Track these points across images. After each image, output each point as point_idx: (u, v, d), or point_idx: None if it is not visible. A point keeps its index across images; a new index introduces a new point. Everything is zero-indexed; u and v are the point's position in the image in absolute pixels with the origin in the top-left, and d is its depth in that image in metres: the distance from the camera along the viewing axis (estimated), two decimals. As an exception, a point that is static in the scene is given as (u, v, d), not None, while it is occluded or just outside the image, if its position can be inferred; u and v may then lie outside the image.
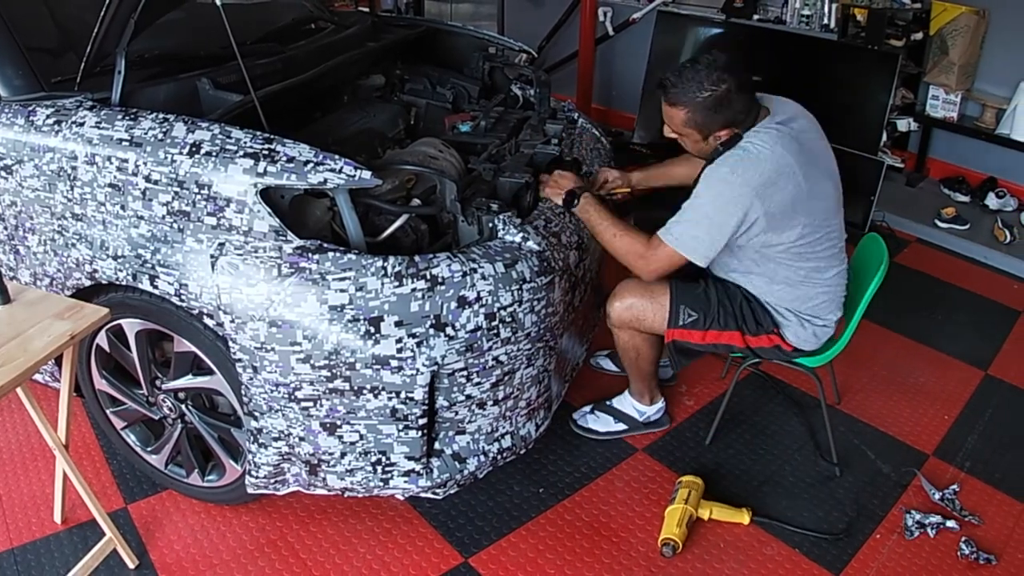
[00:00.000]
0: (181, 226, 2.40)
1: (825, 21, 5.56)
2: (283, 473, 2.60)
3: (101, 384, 2.89)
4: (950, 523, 2.93)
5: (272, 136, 2.43)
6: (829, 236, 2.84)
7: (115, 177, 2.45)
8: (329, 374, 2.35)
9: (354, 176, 2.35)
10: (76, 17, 2.94)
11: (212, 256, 2.36)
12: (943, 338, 4.09)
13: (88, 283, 2.61)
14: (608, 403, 3.37)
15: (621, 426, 3.34)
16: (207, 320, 2.42)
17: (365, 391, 2.38)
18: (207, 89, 2.87)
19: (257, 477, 2.61)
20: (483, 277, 2.41)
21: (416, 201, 2.62)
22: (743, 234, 2.69)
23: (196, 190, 2.36)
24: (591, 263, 3.01)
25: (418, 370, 2.37)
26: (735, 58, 2.78)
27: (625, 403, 3.35)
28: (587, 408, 3.40)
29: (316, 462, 2.54)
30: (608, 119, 7.05)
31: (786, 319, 2.92)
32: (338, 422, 2.44)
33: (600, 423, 3.34)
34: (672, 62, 6.35)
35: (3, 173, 2.65)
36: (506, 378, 2.56)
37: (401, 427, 2.46)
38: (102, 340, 2.77)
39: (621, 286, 3.02)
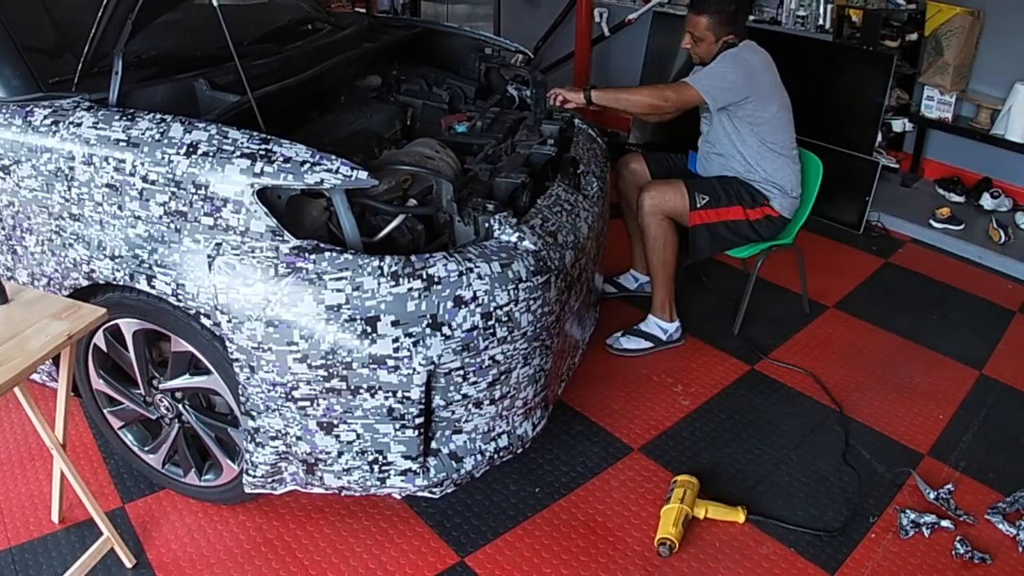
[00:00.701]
0: (178, 226, 2.41)
1: (820, 22, 5.57)
2: (280, 472, 2.61)
3: (98, 384, 2.89)
4: (945, 523, 2.93)
5: (269, 136, 2.44)
6: (790, 122, 3.85)
7: (112, 177, 2.46)
8: (326, 373, 2.36)
9: (351, 176, 2.36)
10: (74, 18, 2.94)
11: (209, 256, 2.36)
12: (938, 338, 4.10)
13: (85, 283, 2.61)
14: (635, 327, 3.97)
15: (649, 344, 3.94)
16: (204, 320, 2.43)
17: (362, 390, 2.39)
18: (204, 90, 2.87)
19: (254, 476, 2.62)
20: (479, 277, 2.41)
21: (412, 201, 2.62)
22: (743, 100, 3.64)
23: (193, 190, 2.37)
24: (587, 262, 3.01)
25: (415, 369, 2.37)
26: None
27: (650, 324, 3.96)
28: (618, 333, 3.96)
29: (313, 461, 2.55)
30: (604, 120, 7.05)
31: (771, 192, 3.78)
32: (335, 421, 2.45)
33: (632, 343, 3.93)
34: (668, 62, 6.38)
35: (1, 173, 2.66)
36: (503, 377, 2.57)
37: (398, 426, 2.46)
38: (99, 340, 2.77)
39: (648, 185, 3.80)
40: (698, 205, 3.73)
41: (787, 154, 3.81)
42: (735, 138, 3.78)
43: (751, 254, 3.96)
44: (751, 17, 5.91)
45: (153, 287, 2.45)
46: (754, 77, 3.65)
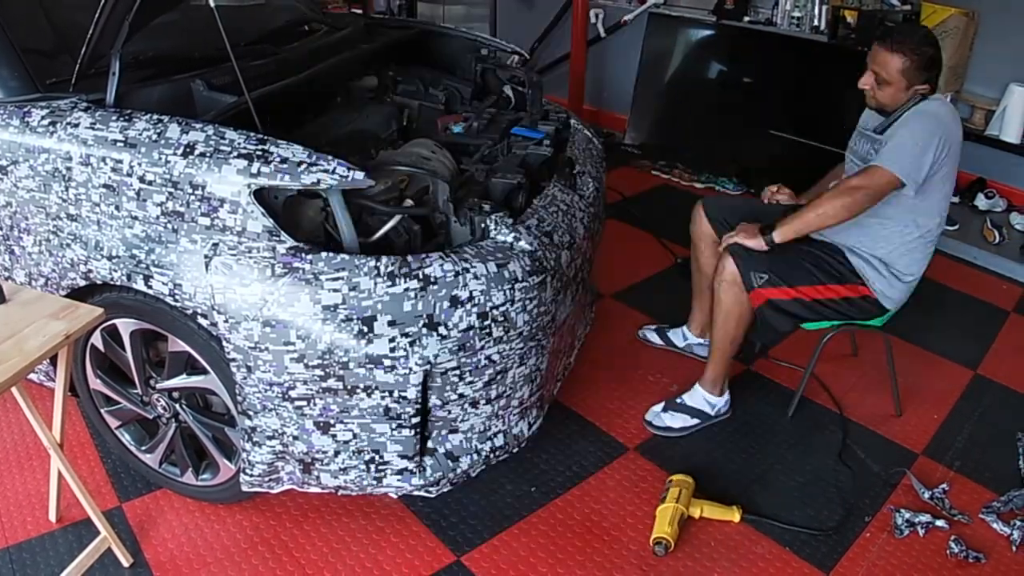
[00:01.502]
0: (175, 226, 2.42)
1: (815, 23, 5.59)
2: (277, 471, 2.62)
3: (96, 383, 2.90)
4: (940, 522, 2.95)
5: (266, 137, 2.45)
6: (949, 197, 3.16)
7: (110, 178, 2.46)
8: (323, 373, 2.37)
9: (347, 177, 2.36)
10: (71, 19, 2.94)
11: (206, 256, 2.37)
12: (933, 338, 4.11)
13: (83, 283, 2.62)
14: (679, 401, 3.46)
15: (696, 421, 3.43)
16: (201, 320, 2.43)
17: (358, 390, 2.40)
18: (201, 90, 2.88)
19: (252, 475, 2.63)
20: (475, 277, 2.42)
21: (409, 202, 2.63)
22: (932, 168, 2.95)
23: (190, 191, 2.38)
24: (583, 263, 3.02)
25: (411, 369, 2.38)
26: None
27: (696, 397, 3.44)
28: (658, 408, 3.47)
29: (310, 461, 2.55)
30: (599, 120, 7.07)
31: (877, 273, 3.15)
32: (332, 421, 2.46)
33: (676, 419, 3.43)
34: (664, 63, 6.41)
35: (-1, 174, 2.67)
36: (499, 377, 2.58)
37: (394, 426, 2.47)
38: (97, 340, 2.77)
39: (736, 249, 3.14)
40: (755, 284, 3.13)
41: (931, 240, 3.16)
42: (881, 211, 3.08)
43: (821, 327, 3.33)
44: (746, 18, 5.94)
45: (150, 287, 2.45)
46: (945, 136, 2.93)
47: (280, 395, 2.41)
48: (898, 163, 2.91)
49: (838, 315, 3.22)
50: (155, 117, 2.51)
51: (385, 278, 2.33)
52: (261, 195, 2.36)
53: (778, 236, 3.06)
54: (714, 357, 3.35)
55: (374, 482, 2.60)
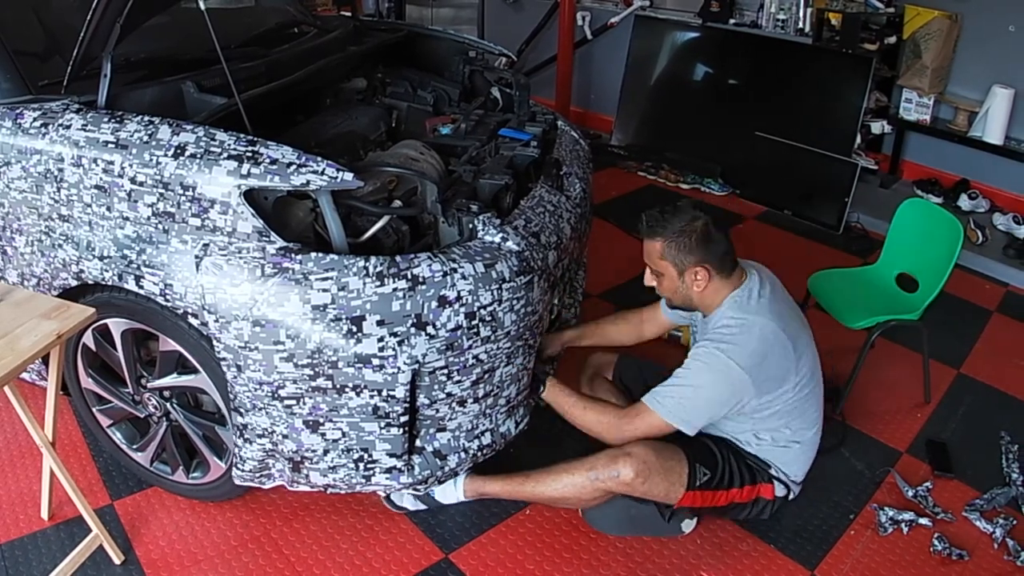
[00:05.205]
0: (166, 227, 2.43)
1: (800, 25, 5.64)
2: (268, 468, 2.64)
3: (87, 382, 2.91)
4: (923, 520, 2.98)
5: (256, 138, 2.46)
6: (815, 392, 2.82)
7: (101, 179, 2.48)
8: (312, 372, 2.38)
9: (336, 178, 2.38)
10: (63, 21, 2.96)
11: (197, 257, 2.39)
12: (917, 337, 4.13)
13: (75, 283, 2.63)
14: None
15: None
16: (192, 320, 2.45)
17: (347, 389, 2.41)
18: (192, 92, 2.89)
19: (243, 470, 2.65)
20: (463, 277, 2.44)
21: (397, 202, 2.65)
22: (735, 408, 2.66)
23: (181, 192, 2.39)
24: (570, 263, 3.04)
25: (399, 368, 2.39)
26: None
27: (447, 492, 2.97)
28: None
29: (299, 459, 2.57)
30: (586, 122, 7.11)
31: (778, 471, 2.84)
32: (321, 420, 2.47)
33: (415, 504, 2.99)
34: (650, 65, 6.43)
35: (-9, 175, 2.68)
36: (486, 376, 2.60)
37: (383, 424, 2.49)
38: (88, 339, 2.79)
39: (631, 452, 2.69)
40: (697, 483, 2.73)
41: (802, 437, 2.83)
42: (739, 425, 2.81)
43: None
44: (731, 20, 5.98)
45: (141, 287, 2.47)
46: (750, 380, 2.60)
47: (270, 394, 2.43)
48: (672, 412, 2.65)
49: (738, 518, 2.96)
50: (146, 119, 2.52)
51: (374, 278, 2.35)
52: (251, 196, 2.37)
53: (545, 396, 2.89)
54: (510, 489, 2.89)
55: (363, 480, 2.62)
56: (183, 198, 2.39)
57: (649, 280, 2.80)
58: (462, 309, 2.43)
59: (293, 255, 2.36)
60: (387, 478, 2.61)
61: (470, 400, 2.61)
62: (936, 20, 5.38)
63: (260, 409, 2.48)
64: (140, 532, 2.86)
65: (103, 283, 2.56)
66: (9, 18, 2.82)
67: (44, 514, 2.88)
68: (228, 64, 2.66)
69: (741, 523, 2.97)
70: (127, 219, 2.48)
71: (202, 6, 2.64)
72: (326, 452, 2.54)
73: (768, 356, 2.61)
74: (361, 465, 2.58)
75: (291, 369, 2.38)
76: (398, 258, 2.41)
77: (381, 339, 2.36)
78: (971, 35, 5.40)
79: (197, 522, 2.91)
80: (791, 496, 2.89)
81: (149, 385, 2.78)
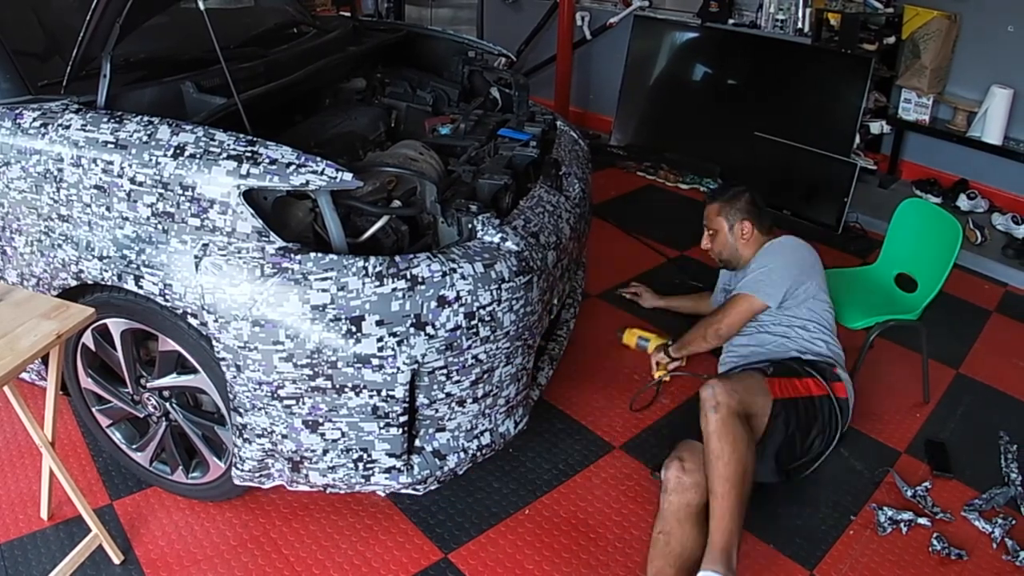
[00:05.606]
0: (165, 227, 2.43)
1: (799, 25, 5.64)
2: (268, 468, 2.64)
3: (87, 382, 2.91)
4: (922, 520, 2.98)
5: (255, 138, 2.46)
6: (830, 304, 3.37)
7: (100, 179, 2.48)
8: (311, 372, 2.38)
9: (336, 178, 2.38)
10: (62, 21, 2.96)
11: (196, 257, 2.39)
12: (915, 337, 4.14)
13: (74, 283, 2.63)
14: None
15: None
16: (191, 320, 2.45)
17: (347, 389, 2.41)
18: (191, 92, 2.89)
19: (243, 470, 2.65)
20: (462, 277, 2.44)
21: (397, 202, 2.65)
22: (797, 280, 3.23)
23: (180, 192, 2.39)
24: (569, 263, 3.05)
25: (399, 368, 2.39)
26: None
27: None
28: None
29: (299, 459, 2.57)
30: (585, 122, 7.11)
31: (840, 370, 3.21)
32: (320, 420, 2.47)
33: None
34: (649, 66, 6.44)
35: (-10, 175, 2.68)
36: (485, 376, 2.60)
37: (382, 424, 2.49)
38: (88, 339, 2.79)
39: (714, 388, 2.76)
40: (771, 373, 3.05)
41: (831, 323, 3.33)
42: (793, 315, 3.26)
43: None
44: (730, 20, 5.99)
45: (141, 287, 2.47)
46: (796, 262, 3.28)
47: (269, 394, 2.43)
48: (759, 291, 3.24)
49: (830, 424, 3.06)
50: (145, 119, 2.52)
51: (373, 278, 2.35)
52: (250, 196, 2.37)
53: (675, 351, 3.59)
54: (722, 531, 2.63)
55: (362, 480, 2.62)
56: (182, 198, 2.39)
57: (706, 243, 3.57)
58: (461, 309, 2.43)
59: (292, 255, 2.36)
60: (386, 478, 2.61)
61: (469, 400, 2.61)
62: (935, 20, 5.38)
63: (259, 409, 2.48)
64: (139, 532, 2.86)
65: (102, 283, 2.56)
66: (9, 18, 2.82)
67: (44, 514, 2.88)
68: (227, 64, 2.67)
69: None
70: (126, 219, 2.48)
71: (201, 6, 2.64)
72: (325, 452, 2.54)
73: (798, 249, 3.34)
74: (360, 465, 2.58)
75: (290, 369, 2.38)
76: (397, 258, 2.41)
77: (380, 339, 2.36)
78: (970, 35, 5.41)
79: (196, 522, 2.91)
80: (851, 403, 3.18)
81: (148, 385, 2.78)
